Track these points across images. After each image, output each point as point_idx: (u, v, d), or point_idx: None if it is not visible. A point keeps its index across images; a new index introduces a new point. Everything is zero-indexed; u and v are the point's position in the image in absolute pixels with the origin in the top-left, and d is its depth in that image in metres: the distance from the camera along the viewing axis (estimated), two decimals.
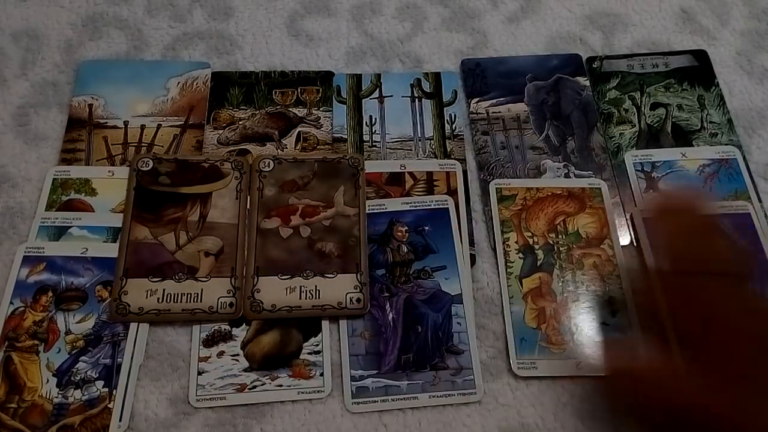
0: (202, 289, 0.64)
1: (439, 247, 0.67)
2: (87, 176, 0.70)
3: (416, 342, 0.63)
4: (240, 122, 0.75)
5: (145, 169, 0.70)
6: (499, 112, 0.77)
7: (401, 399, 0.60)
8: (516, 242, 0.68)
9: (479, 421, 0.60)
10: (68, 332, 0.62)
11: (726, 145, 0.74)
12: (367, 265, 0.65)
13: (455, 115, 0.76)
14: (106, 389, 0.60)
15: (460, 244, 0.67)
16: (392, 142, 0.74)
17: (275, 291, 0.64)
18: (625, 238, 0.69)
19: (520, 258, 0.67)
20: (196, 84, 0.77)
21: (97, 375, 0.60)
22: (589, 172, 0.73)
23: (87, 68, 0.78)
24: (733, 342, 0.48)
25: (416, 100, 0.77)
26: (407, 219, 0.68)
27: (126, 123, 0.74)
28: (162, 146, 0.73)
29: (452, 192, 0.70)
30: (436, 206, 0.69)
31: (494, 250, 0.68)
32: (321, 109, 0.76)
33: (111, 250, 0.65)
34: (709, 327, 0.49)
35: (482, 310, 0.65)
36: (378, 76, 0.79)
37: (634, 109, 0.77)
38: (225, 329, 0.63)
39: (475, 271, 0.67)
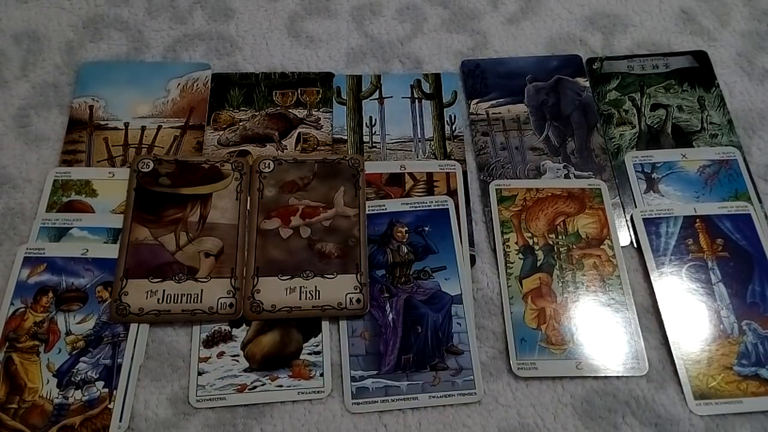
0: (202, 290, 0.64)
1: (439, 248, 0.67)
2: (87, 177, 0.70)
3: (416, 342, 0.63)
4: (240, 123, 0.75)
5: (145, 170, 0.70)
6: (499, 113, 0.77)
7: (401, 399, 0.60)
8: (516, 243, 0.68)
9: (479, 421, 0.60)
10: (69, 333, 0.62)
11: (726, 146, 0.74)
12: (367, 265, 0.65)
13: (455, 116, 0.76)
14: (107, 389, 0.60)
15: (459, 244, 0.67)
16: (392, 143, 0.74)
17: (275, 291, 0.64)
18: (625, 239, 0.69)
19: (520, 258, 0.67)
20: (197, 85, 0.77)
21: (98, 375, 0.60)
22: (589, 172, 0.73)
23: (88, 70, 0.78)
24: None
25: (416, 101, 0.77)
26: (407, 219, 0.68)
27: (126, 124, 0.74)
28: (162, 147, 0.73)
29: (452, 193, 0.70)
30: (436, 207, 0.69)
31: (494, 250, 0.68)
32: (321, 110, 0.77)
33: (111, 251, 0.65)
34: None
35: (482, 310, 0.65)
36: (378, 77, 0.79)
37: (635, 110, 0.77)
38: (225, 330, 0.63)
39: (474, 271, 0.67)
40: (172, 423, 0.60)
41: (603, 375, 0.62)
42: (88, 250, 0.66)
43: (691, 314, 0.64)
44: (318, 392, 0.61)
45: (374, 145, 0.74)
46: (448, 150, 0.74)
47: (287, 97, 0.77)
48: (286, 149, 0.74)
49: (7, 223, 0.69)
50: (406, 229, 0.68)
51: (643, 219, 0.69)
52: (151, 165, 0.70)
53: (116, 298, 0.63)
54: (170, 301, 0.63)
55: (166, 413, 0.60)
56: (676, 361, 0.62)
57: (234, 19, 0.83)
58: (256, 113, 0.76)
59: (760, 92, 0.79)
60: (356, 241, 0.66)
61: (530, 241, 0.68)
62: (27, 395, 0.59)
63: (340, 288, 0.64)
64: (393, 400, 0.60)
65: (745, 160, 0.73)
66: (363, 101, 0.77)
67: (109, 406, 0.59)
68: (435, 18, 0.84)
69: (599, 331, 0.63)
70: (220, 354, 0.62)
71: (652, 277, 0.66)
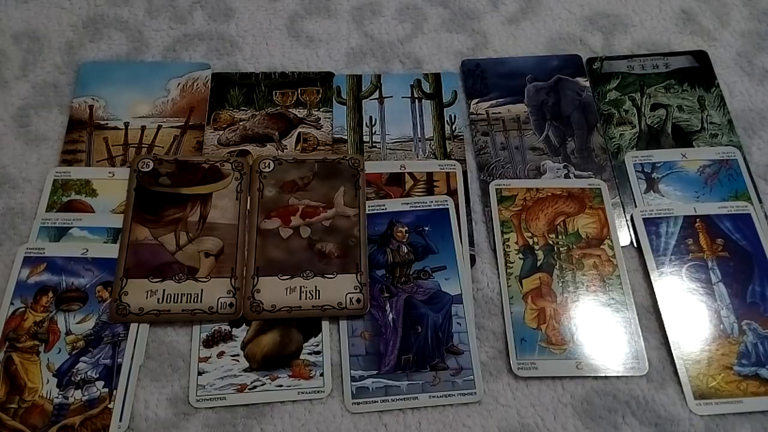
0: (202, 290, 0.64)
1: (439, 248, 0.67)
2: (87, 177, 0.70)
3: (416, 342, 0.63)
4: (240, 123, 0.75)
5: (145, 170, 0.70)
6: (499, 112, 0.77)
7: (401, 399, 0.60)
8: (516, 243, 0.68)
9: (479, 421, 0.60)
10: (69, 333, 0.62)
11: (726, 145, 0.74)
12: (367, 265, 0.65)
13: (455, 116, 0.76)
14: (107, 389, 0.60)
15: (460, 244, 0.67)
16: (392, 143, 0.74)
17: (275, 291, 0.64)
18: (625, 239, 0.69)
19: (520, 258, 0.67)
20: (197, 85, 0.77)
21: (98, 375, 0.60)
22: (589, 172, 0.73)
23: (88, 69, 0.78)
24: None
25: (416, 100, 0.77)
26: (407, 219, 0.68)
27: (126, 124, 0.74)
28: (162, 147, 0.73)
29: (452, 192, 0.70)
30: (436, 207, 0.69)
31: (494, 250, 0.68)
32: (321, 109, 0.77)
33: (111, 251, 0.65)
34: None
35: (482, 310, 0.65)
36: (378, 77, 0.79)
37: (635, 110, 0.77)
38: (225, 329, 0.63)
39: (475, 271, 0.67)
40: (172, 423, 0.60)
41: (603, 375, 0.62)
42: (88, 250, 0.66)
43: (691, 314, 0.64)
44: (318, 392, 0.61)
45: (374, 144, 0.74)
46: (448, 150, 0.74)
47: (287, 97, 0.77)
48: (286, 149, 0.74)
49: (7, 223, 0.69)
50: (406, 228, 0.68)
51: (643, 219, 0.69)
52: (151, 165, 0.70)
53: (116, 297, 0.63)
54: (170, 301, 0.63)
55: (166, 413, 0.60)
56: (676, 361, 0.62)
57: (234, 19, 0.83)
58: (256, 113, 0.76)
59: (760, 92, 0.79)
60: (356, 241, 0.66)
61: (530, 241, 0.68)
62: (27, 395, 0.59)
63: (340, 288, 0.64)
64: (393, 400, 0.60)
65: (745, 160, 0.73)
66: (363, 101, 0.77)
67: (109, 406, 0.59)
68: (435, 18, 0.84)
69: (599, 331, 0.63)
70: (220, 354, 0.62)
71: (652, 277, 0.66)
